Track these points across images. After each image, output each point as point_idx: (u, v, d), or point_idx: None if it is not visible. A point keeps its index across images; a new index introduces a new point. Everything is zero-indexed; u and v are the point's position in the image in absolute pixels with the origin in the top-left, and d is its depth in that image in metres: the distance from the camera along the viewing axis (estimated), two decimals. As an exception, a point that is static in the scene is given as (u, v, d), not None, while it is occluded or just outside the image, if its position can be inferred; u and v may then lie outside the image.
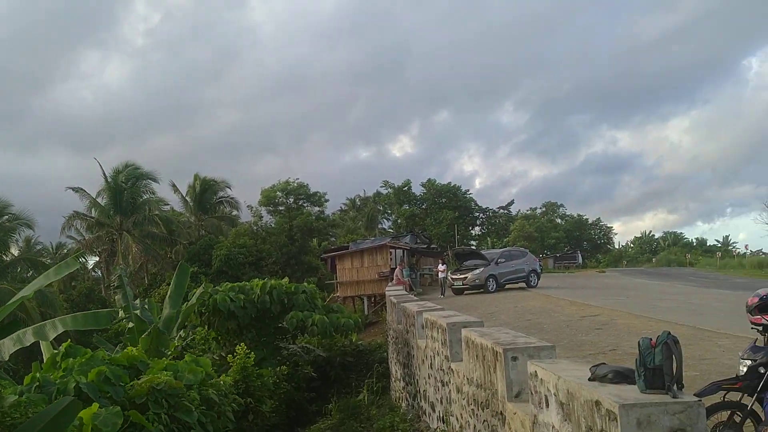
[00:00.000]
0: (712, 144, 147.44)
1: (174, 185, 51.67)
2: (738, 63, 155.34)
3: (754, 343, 5.74)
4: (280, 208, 53.44)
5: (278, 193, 53.18)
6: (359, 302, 37.98)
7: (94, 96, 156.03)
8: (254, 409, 14.68)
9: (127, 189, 44.81)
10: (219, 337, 19.65)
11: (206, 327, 19.41)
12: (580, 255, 73.41)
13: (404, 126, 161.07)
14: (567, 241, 79.98)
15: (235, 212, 54.53)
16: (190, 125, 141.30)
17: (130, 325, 16.19)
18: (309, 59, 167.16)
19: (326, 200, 55.16)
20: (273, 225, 52.48)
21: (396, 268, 32.44)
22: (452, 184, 70.42)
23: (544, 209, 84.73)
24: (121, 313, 16.73)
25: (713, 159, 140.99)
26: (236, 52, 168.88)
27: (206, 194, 51.45)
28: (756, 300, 5.74)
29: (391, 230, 64.44)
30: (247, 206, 55.57)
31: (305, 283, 22.41)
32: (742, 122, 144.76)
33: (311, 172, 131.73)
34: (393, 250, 37.96)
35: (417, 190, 69.30)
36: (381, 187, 70.98)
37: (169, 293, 16.73)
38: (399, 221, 67.41)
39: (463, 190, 70.40)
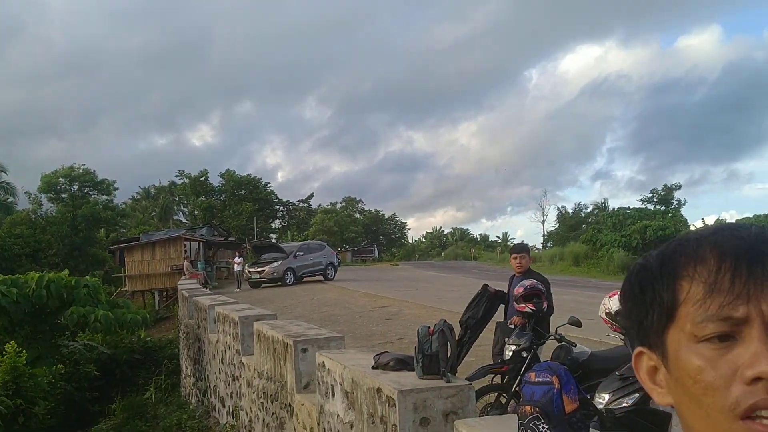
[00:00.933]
0: (496, 148, 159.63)
1: (-67, 169, 45.41)
2: (520, 74, 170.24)
3: (519, 329, 6.33)
4: (63, 195, 49.03)
5: (61, 179, 48.66)
6: (150, 297, 36.18)
7: None
8: (25, 411, 13.42)
9: None
10: (-14, 336, 17.68)
11: (-29, 324, 17.39)
12: (376, 249, 76.03)
13: (204, 114, 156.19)
14: (365, 236, 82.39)
15: (10, 199, 49.17)
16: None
17: None
18: (101, 39, 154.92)
19: (115, 188, 51.47)
20: (54, 214, 48.11)
21: (185, 261, 31.44)
22: (252, 176, 69.42)
23: (343, 204, 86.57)
24: None
25: (497, 162, 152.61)
26: (19, 27, 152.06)
27: (-25, 179, 45.96)
28: (521, 290, 6.34)
29: (188, 222, 62.02)
30: (25, 193, 50.38)
31: (88, 277, 20.87)
32: (522, 129, 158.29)
33: (102, 158, 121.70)
34: (188, 243, 36.68)
35: (215, 180, 67.40)
36: (176, 176, 67.87)
37: None
38: (195, 213, 65.03)
39: (263, 183, 69.76)
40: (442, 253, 79.91)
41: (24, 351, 14.30)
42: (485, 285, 6.98)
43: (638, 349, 0.81)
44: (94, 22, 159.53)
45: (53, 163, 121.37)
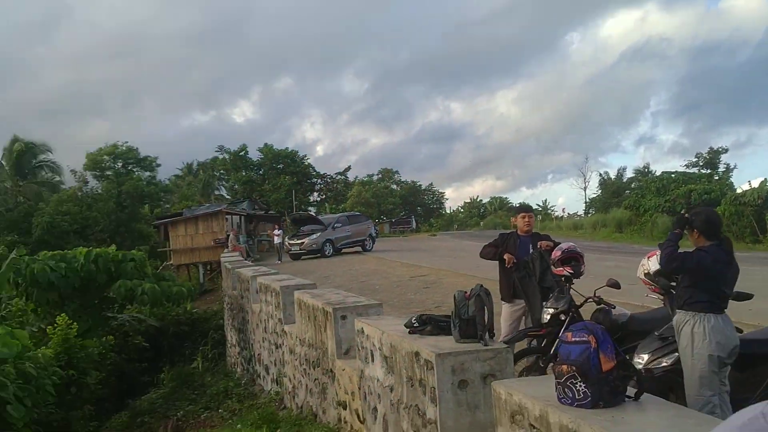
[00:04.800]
0: (536, 115, 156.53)
1: (-18, 148, 46.67)
2: (560, 38, 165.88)
3: (557, 292, 6.32)
4: (108, 173, 50.03)
5: (105, 157, 49.67)
6: (194, 270, 36.94)
7: None
8: (77, 382, 13.91)
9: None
10: (38, 309, 18.31)
11: (24, 298, 18.03)
12: (414, 220, 75.89)
13: (245, 91, 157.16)
14: (403, 207, 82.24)
15: (57, 178, 50.29)
16: (10, 86, 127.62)
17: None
18: (146, 21, 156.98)
19: (158, 165, 52.27)
20: (100, 191, 49.12)
21: (231, 232, 32.00)
22: (290, 150, 69.79)
23: (380, 176, 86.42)
24: None
25: (537, 129, 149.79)
26: (68, 10, 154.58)
27: (25, 158, 47.02)
28: (559, 254, 6.31)
29: (229, 196, 62.83)
30: (71, 171, 51.47)
31: (134, 251, 21.37)
32: (562, 95, 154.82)
33: (145, 136, 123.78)
34: (229, 217, 37.22)
35: (255, 155, 67.95)
36: (217, 152, 68.63)
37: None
38: (236, 187, 65.83)
39: (301, 156, 70.10)
40: (481, 223, 79.26)
41: (75, 323, 14.76)
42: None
43: None
44: (138, 4, 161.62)
45: (97, 141, 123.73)
